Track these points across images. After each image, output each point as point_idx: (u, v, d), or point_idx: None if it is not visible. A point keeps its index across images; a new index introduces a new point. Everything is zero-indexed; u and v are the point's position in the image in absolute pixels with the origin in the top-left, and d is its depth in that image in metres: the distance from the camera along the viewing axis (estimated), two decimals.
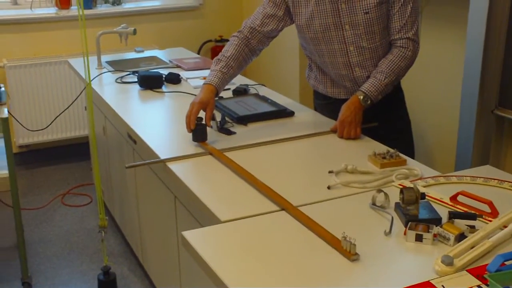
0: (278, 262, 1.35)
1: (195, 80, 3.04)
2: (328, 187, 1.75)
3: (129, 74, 3.20)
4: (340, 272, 1.31)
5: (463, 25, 2.74)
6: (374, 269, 1.31)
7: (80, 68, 3.32)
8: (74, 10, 4.47)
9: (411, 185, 1.55)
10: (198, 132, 2.13)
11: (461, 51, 2.79)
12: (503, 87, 2.64)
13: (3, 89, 3.11)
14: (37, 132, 4.30)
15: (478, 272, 1.25)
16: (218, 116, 2.35)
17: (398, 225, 1.49)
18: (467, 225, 1.42)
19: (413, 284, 1.22)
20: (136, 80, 3.01)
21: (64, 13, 4.42)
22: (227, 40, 2.41)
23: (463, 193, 1.59)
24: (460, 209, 1.55)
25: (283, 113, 2.47)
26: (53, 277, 3.14)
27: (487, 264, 1.26)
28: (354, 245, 1.34)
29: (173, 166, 1.96)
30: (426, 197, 1.60)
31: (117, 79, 3.15)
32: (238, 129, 2.32)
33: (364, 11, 2.18)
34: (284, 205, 1.62)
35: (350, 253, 1.34)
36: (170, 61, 3.53)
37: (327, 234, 1.44)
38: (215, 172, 1.92)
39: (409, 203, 1.49)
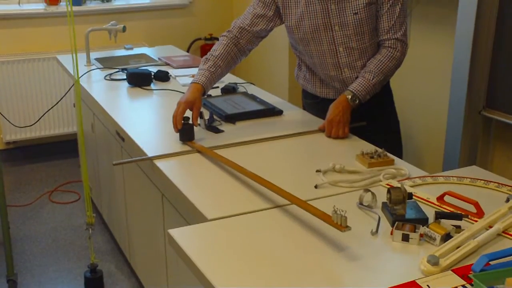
0: (265, 260, 1.35)
1: (184, 78, 3.04)
2: (316, 186, 1.75)
3: (118, 71, 3.19)
4: (327, 271, 1.31)
5: (452, 26, 2.75)
6: (360, 268, 1.31)
7: (68, 64, 3.31)
8: (63, 6, 4.44)
9: (399, 185, 1.56)
10: (185, 132, 2.12)
11: (450, 52, 2.80)
12: (490, 88, 2.65)
13: None
14: (25, 128, 4.28)
15: (463, 272, 1.26)
16: (206, 114, 2.35)
17: (385, 224, 1.50)
18: (453, 225, 1.43)
19: (399, 283, 1.23)
20: (125, 77, 3.00)
21: (52, 9, 4.40)
22: (217, 39, 2.41)
23: (449, 194, 1.60)
24: (447, 209, 1.56)
25: (271, 111, 2.47)
26: (39, 274, 3.13)
27: (472, 264, 1.27)
28: (345, 217, 1.35)
29: (160, 164, 1.96)
30: (413, 197, 1.61)
31: (106, 76, 3.13)
32: (226, 127, 2.31)
33: (354, 11, 2.18)
34: (272, 189, 1.64)
35: (341, 226, 1.35)
36: (159, 58, 3.53)
37: (317, 210, 1.45)
38: (202, 170, 1.92)
39: (396, 202, 1.49)
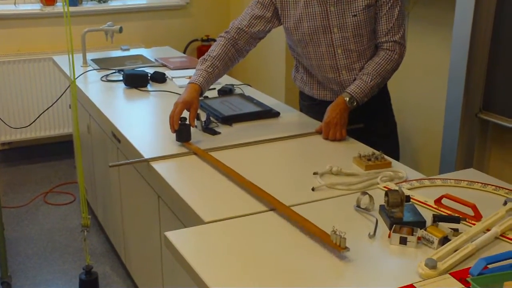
0: (262, 263, 1.34)
1: (181, 79, 3.03)
2: (313, 189, 1.74)
3: (114, 73, 3.18)
4: (324, 274, 1.30)
5: (449, 28, 2.75)
6: (358, 271, 1.31)
7: (64, 65, 3.29)
8: (59, 6, 4.43)
9: (396, 188, 1.56)
10: (182, 132, 2.11)
11: (446, 54, 2.80)
12: (487, 91, 2.65)
13: None
14: (20, 129, 4.26)
15: (461, 276, 1.25)
16: (203, 116, 2.34)
17: (383, 227, 1.49)
18: (451, 228, 1.43)
19: (396, 287, 1.22)
20: (122, 78, 2.99)
21: (49, 9, 4.38)
22: (214, 40, 2.40)
23: (447, 196, 1.59)
24: (444, 212, 1.56)
25: (268, 113, 2.46)
26: (33, 276, 3.11)
27: (470, 268, 1.26)
28: (344, 238, 1.34)
29: (157, 166, 1.95)
30: (411, 199, 1.60)
31: (102, 77, 3.12)
32: (223, 129, 2.31)
33: (353, 13, 2.18)
34: (271, 202, 1.62)
35: (340, 247, 1.34)
36: (156, 60, 3.52)
37: (316, 229, 1.44)
38: (199, 172, 1.91)
39: (393, 205, 1.49)
